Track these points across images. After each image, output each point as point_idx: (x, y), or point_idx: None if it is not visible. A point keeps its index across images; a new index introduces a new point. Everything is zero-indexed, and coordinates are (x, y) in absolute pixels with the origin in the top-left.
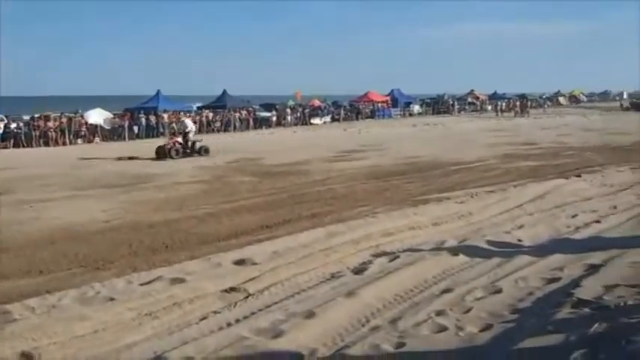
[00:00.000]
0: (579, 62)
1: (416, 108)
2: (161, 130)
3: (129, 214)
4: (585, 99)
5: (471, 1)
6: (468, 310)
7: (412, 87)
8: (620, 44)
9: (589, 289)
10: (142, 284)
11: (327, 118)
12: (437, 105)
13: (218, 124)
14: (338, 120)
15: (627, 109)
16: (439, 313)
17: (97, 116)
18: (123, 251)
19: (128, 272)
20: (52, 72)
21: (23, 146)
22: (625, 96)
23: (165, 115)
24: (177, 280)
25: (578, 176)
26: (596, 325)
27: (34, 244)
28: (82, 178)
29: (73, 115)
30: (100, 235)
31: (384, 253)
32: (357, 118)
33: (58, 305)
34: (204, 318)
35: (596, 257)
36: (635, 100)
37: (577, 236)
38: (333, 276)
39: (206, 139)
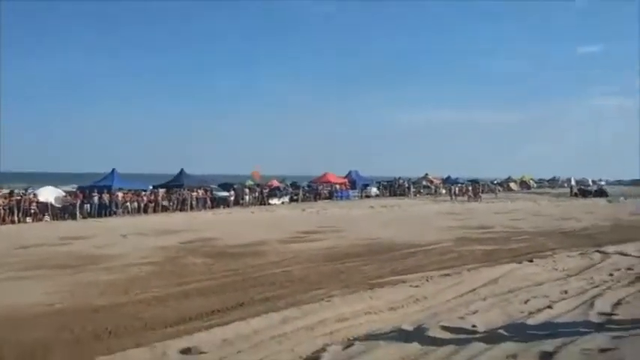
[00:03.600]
0: (526, 149)
1: (373, 190)
2: (114, 209)
3: (74, 297)
4: (535, 185)
5: (427, 94)
6: None
7: (369, 169)
8: (565, 133)
9: None
10: None
11: (286, 199)
12: (393, 187)
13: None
14: (296, 200)
15: (576, 195)
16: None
17: (48, 194)
18: (65, 337)
19: None
20: (3, 148)
21: None
22: (573, 182)
23: (120, 194)
24: None
25: (531, 261)
26: None
27: None
28: (28, 259)
29: (23, 191)
30: (42, 318)
31: (338, 341)
32: (315, 199)
33: None
34: None
35: (548, 344)
36: (582, 187)
37: (530, 322)
38: None
39: (159, 219)
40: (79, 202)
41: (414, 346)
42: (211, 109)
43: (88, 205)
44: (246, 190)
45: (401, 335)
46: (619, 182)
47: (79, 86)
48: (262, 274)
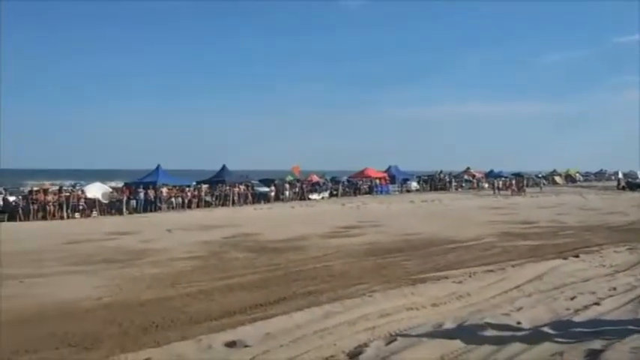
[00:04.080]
0: (571, 141)
1: (413, 184)
2: (159, 204)
3: (122, 291)
4: (581, 178)
5: (469, 87)
6: None
7: (409, 164)
8: (611, 125)
9: None
10: None
11: (326, 194)
12: (434, 182)
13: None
14: (336, 195)
15: (623, 188)
16: None
17: (95, 190)
18: (113, 330)
19: (117, 353)
20: (51, 145)
21: (20, 220)
22: (620, 175)
23: (164, 190)
24: None
25: (577, 256)
26: None
27: (21, 322)
28: (76, 254)
29: (71, 188)
30: (90, 312)
31: (381, 336)
32: (355, 194)
33: None
34: None
35: (596, 342)
36: (630, 180)
37: (576, 319)
38: None
39: (203, 214)
40: (125, 198)
41: (457, 343)
42: (250, 105)
43: (134, 201)
44: (287, 186)
45: (443, 332)
46: None
47: (118, 82)
48: (304, 268)
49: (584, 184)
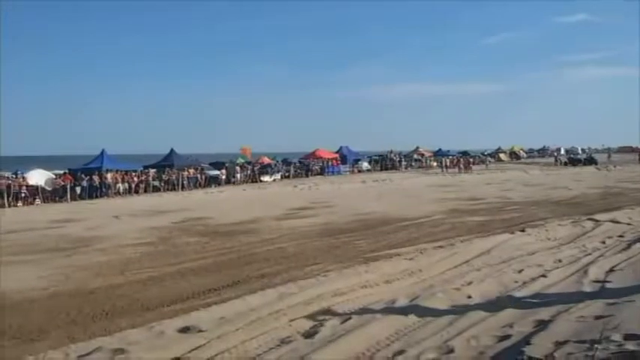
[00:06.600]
0: (515, 119)
1: (364, 165)
2: (105, 190)
3: (69, 280)
4: (525, 155)
5: (417, 68)
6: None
7: (360, 144)
8: (553, 103)
9: (539, 347)
10: (80, 356)
11: (277, 176)
12: (384, 162)
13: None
14: (288, 177)
15: (565, 164)
16: None
17: (38, 177)
18: (61, 320)
19: (65, 343)
20: None
21: None
22: (562, 152)
23: (109, 175)
24: (117, 351)
25: (523, 231)
26: None
27: None
28: (19, 243)
29: (12, 175)
30: (36, 303)
31: (336, 315)
32: (306, 175)
33: None
34: None
35: (544, 313)
36: (572, 156)
37: (524, 291)
38: (283, 341)
39: (151, 200)
40: (69, 184)
41: (411, 318)
42: (200, 88)
43: (79, 188)
44: (238, 168)
45: (397, 308)
46: (608, 149)
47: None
48: (257, 251)
49: (528, 160)
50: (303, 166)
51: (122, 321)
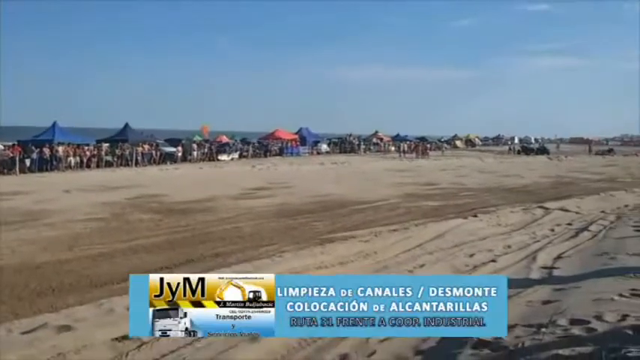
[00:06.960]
0: (472, 108)
1: (324, 147)
2: (55, 163)
3: (14, 254)
4: (480, 143)
5: (375, 47)
6: (372, 353)
7: (319, 126)
8: (510, 92)
9: None
10: (23, 332)
11: (235, 155)
12: (344, 144)
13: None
14: (246, 157)
15: (519, 152)
16: (343, 357)
17: None
18: (5, 295)
19: (9, 319)
20: None
21: None
22: (516, 140)
23: (61, 148)
24: (63, 328)
25: (475, 216)
26: None
27: None
28: None
29: None
30: None
31: None
32: (265, 156)
33: None
34: None
35: None
36: (525, 145)
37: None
38: None
39: (104, 174)
40: (18, 156)
41: None
42: (160, 63)
43: (29, 160)
44: (194, 146)
45: None
46: (560, 140)
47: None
48: (212, 230)
49: (483, 148)
50: (262, 147)
51: (69, 297)
